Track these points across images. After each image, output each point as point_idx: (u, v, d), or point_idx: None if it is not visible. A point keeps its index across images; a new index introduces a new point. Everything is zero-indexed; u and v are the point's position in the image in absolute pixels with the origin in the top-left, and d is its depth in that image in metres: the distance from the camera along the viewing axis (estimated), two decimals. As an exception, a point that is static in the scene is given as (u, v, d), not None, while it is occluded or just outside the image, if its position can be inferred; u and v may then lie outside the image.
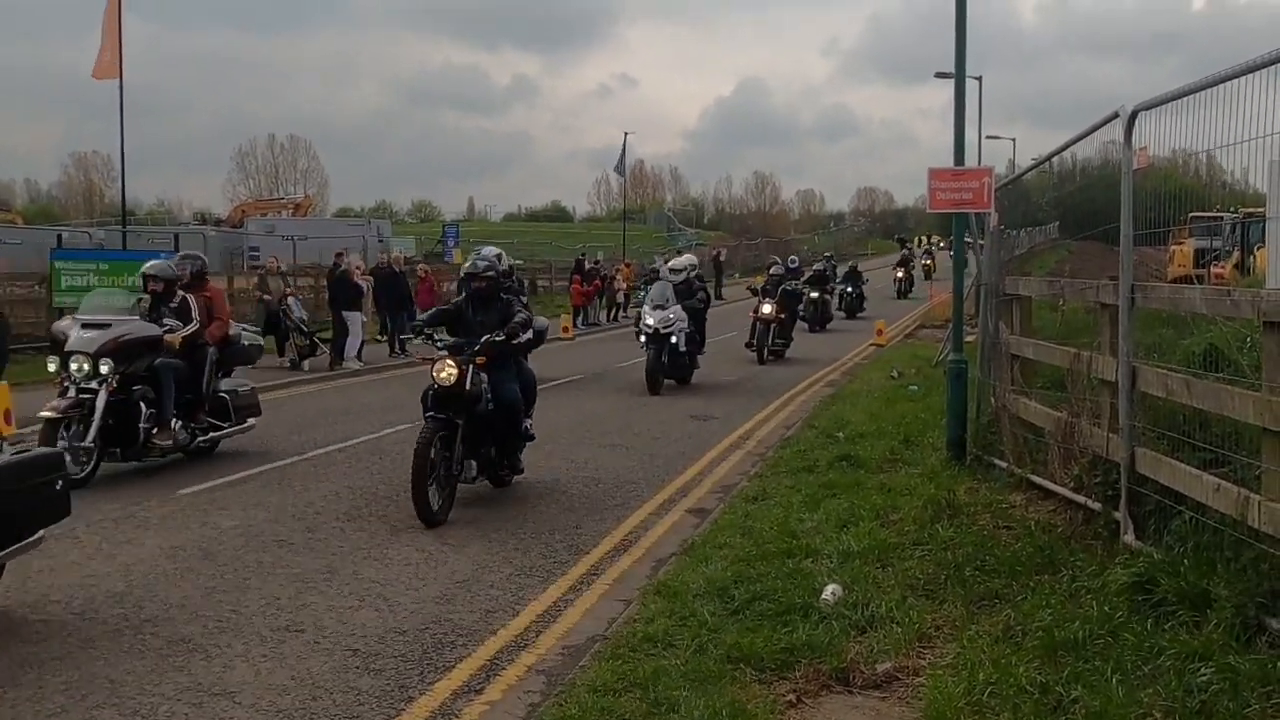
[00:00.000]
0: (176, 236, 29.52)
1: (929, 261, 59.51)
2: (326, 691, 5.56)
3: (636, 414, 15.50)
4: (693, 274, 19.94)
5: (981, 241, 11.52)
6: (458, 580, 7.50)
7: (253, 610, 6.79)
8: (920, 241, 72.17)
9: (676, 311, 18.35)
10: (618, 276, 37.35)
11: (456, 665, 5.95)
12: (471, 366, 9.17)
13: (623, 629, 6.25)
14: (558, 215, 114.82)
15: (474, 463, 9.51)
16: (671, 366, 18.34)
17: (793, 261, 33.13)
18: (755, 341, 23.10)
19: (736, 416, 15.33)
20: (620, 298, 36.79)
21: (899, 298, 46.22)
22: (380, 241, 52.62)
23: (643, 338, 18.47)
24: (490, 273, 9.82)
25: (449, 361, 9.06)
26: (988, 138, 54.09)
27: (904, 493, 9.19)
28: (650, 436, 13.59)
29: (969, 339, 12.20)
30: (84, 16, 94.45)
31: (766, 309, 23.19)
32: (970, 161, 12.88)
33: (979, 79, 37.49)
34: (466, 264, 10.46)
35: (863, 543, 7.64)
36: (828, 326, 33.07)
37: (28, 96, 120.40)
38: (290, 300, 21.21)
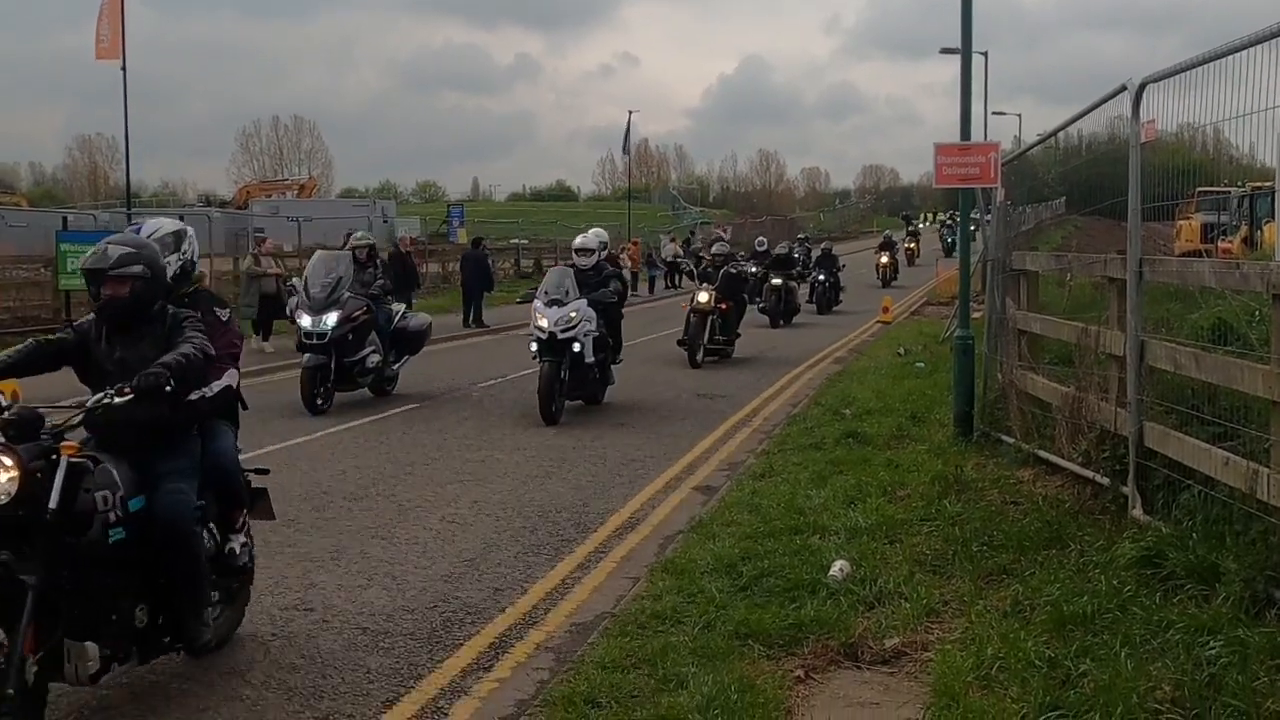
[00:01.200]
0: (181, 218, 29.43)
1: (912, 245, 54.41)
2: (336, 670, 5.58)
3: (642, 392, 15.48)
4: (603, 254, 14.81)
5: (988, 217, 11.47)
6: (466, 559, 7.51)
7: (261, 589, 6.77)
8: (926, 218, 71.58)
9: (580, 308, 13.28)
10: (623, 255, 37.25)
11: (465, 643, 5.97)
12: (63, 461, 4.64)
13: (631, 606, 6.26)
14: (563, 195, 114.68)
15: (93, 646, 4.69)
16: (574, 383, 13.49)
17: (760, 244, 30.25)
18: (688, 339, 18.20)
19: (743, 394, 15.31)
20: (627, 275, 36.70)
21: (884, 286, 39.41)
22: (385, 222, 52.59)
23: (534, 346, 13.25)
24: (134, 268, 5.15)
25: (4, 459, 4.46)
26: (994, 113, 53.63)
27: (911, 469, 9.19)
28: (657, 415, 13.58)
29: (976, 315, 12.17)
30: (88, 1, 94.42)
31: (702, 297, 18.14)
32: (976, 137, 12.82)
33: (985, 54, 37.27)
34: (87, 255, 5.30)
35: (870, 519, 7.64)
36: (795, 321, 27.16)
37: (32, 81, 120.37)
38: (295, 282, 21.12)
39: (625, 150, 59.10)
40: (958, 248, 12.64)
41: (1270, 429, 5.42)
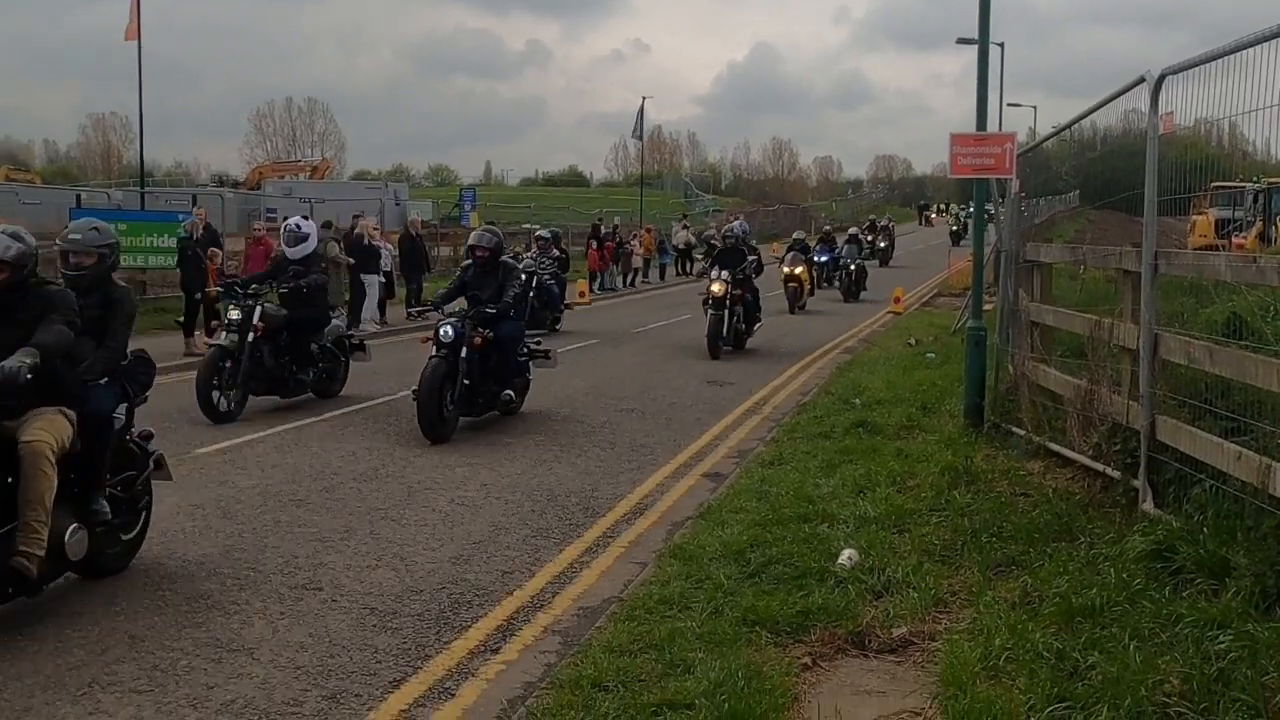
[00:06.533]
0: (194, 197, 29.53)
1: (799, 270, 27.41)
2: (344, 649, 5.60)
3: (653, 378, 15.48)
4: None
5: (1002, 208, 11.44)
6: (474, 541, 7.52)
7: (271, 568, 6.83)
8: (940, 209, 70.78)
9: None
10: (634, 242, 37.22)
11: (473, 625, 5.98)
12: None
13: (638, 591, 6.26)
14: (575, 180, 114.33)
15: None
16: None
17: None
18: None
19: (753, 382, 15.30)
20: (638, 262, 36.76)
21: (712, 356, 17.86)
22: (398, 205, 52.58)
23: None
24: None
25: None
26: (1009, 105, 53.33)
27: (921, 459, 9.17)
28: (667, 401, 13.58)
29: (988, 306, 12.14)
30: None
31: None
32: (991, 128, 12.75)
33: (1001, 45, 37.02)
34: None
35: (879, 508, 7.63)
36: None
37: (47, 58, 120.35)
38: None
39: (636, 135, 58.68)
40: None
41: (1284, 424, 5.40)
